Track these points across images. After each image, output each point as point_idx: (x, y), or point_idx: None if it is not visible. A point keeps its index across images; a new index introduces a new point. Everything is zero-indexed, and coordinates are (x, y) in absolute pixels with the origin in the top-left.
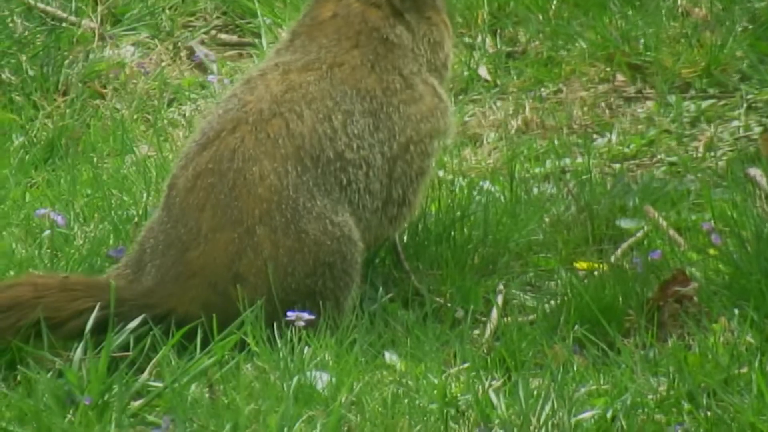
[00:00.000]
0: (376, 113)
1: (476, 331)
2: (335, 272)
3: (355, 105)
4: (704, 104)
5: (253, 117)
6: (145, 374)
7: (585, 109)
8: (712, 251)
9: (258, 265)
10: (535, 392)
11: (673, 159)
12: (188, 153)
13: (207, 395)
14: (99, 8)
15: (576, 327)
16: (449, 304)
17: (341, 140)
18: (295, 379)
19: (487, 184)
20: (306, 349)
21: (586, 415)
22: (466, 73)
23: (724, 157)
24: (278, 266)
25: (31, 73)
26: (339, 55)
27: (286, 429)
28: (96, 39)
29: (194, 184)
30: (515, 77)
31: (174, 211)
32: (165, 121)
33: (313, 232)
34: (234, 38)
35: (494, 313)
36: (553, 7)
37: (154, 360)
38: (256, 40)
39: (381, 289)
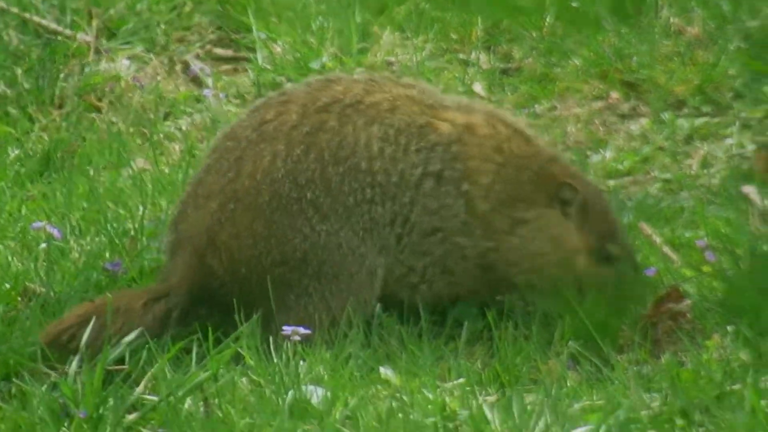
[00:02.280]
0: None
1: (471, 347)
2: (309, 272)
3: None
4: (698, 122)
5: (322, 105)
6: (140, 388)
7: (579, 126)
8: (706, 268)
9: (226, 240)
10: (530, 407)
11: (668, 176)
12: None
13: (202, 409)
14: (94, 22)
15: (570, 343)
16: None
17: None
18: (290, 394)
19: None
20: (301, 363)
21: (580, 430)
22: (461, 90)
23: (718, 175)
24: (243, 246)
25: (26, 86)
26: None
27: None
28: (91, 52)
29: (221, 144)
30: (510, 94)
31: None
32: (161, 135)
33: (289, 222)
34: (229, 53)
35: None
36: (547, 24)
37: (150, 374)
38: (251, 55)
39: (378, 304)
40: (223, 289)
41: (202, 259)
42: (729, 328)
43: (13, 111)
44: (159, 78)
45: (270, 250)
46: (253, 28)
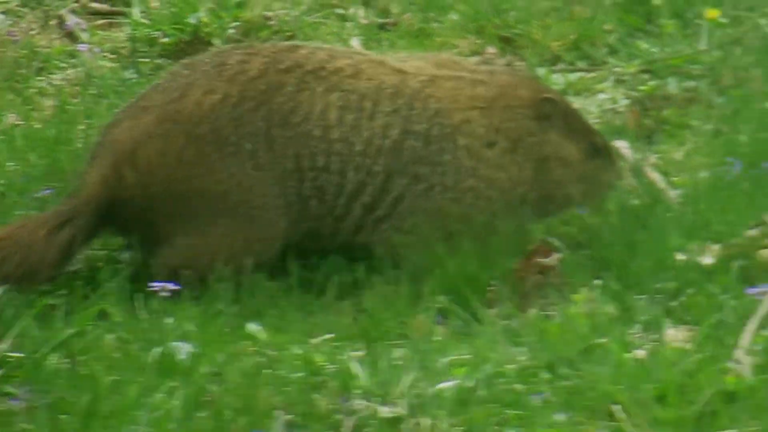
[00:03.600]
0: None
1: (341, 301)
2: (227, 206)
3: None
4: (573, 77)
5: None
6: (5, 344)
7: None
8: (575, 222)
9: (150, 155)
10: (397, 362)
11: None
12: None
13: (68, 366)
14: None
15: (440, 297)
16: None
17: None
18: (156, 350)
19: None
20: (169, 319)
21: (448, 384)
22: (338, 45)
23: None
24: (165, 165)
25: None
26: None
27: (145, 399)
28: None
29: (176, 69)
30: (387, 49)
31: None
32: (33, 90)
33: (220, 159)
34: (105, 7)
35: None
36: None
37: (15, 330)
38: (127, 9)
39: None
40: (129, 204)
41: (118, 168)
42: (597, 281)
43: None
44: (33, 32)
45: (192, 178)
46: None
